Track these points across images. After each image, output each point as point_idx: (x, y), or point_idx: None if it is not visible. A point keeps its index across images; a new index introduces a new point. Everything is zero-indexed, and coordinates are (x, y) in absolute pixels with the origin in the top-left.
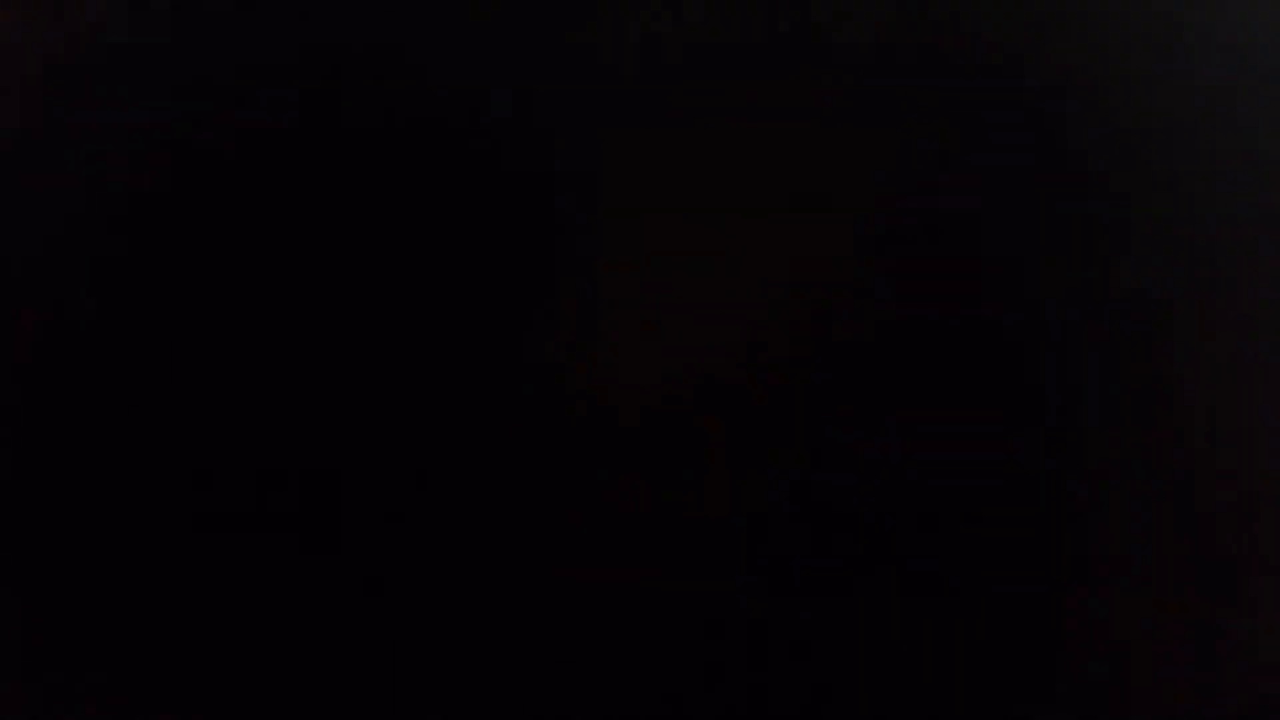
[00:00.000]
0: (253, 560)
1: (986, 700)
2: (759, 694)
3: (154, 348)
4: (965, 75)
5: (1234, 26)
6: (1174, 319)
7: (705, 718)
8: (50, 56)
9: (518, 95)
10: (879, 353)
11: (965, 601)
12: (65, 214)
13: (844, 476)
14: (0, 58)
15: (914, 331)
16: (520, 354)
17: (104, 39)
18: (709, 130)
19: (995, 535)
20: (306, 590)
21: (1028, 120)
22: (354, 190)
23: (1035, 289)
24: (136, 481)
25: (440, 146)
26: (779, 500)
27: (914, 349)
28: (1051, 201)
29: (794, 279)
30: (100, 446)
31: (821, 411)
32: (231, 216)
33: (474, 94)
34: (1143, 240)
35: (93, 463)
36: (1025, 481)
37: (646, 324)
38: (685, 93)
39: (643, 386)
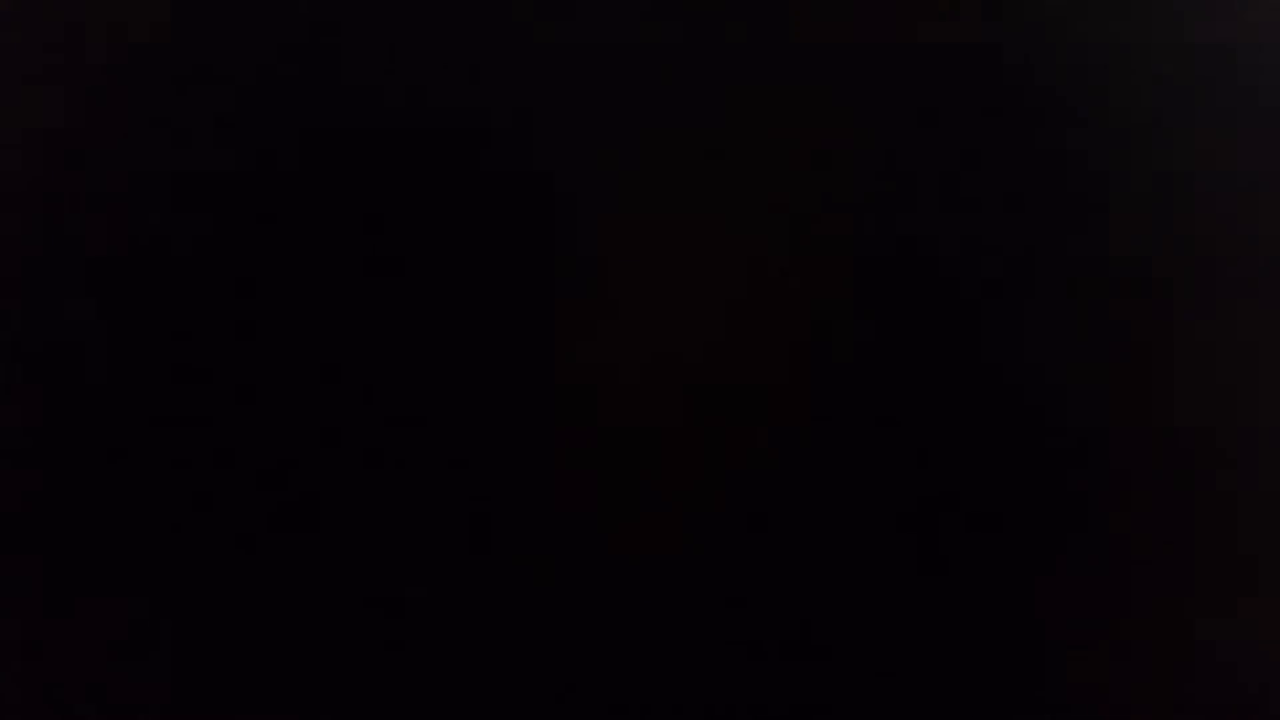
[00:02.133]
0: (253, 560)
1: (985, 697)
2: (760, 691)
3: (157, 356)
4: (956, 72)
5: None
6: (1177, 318)
7: (707, 713)
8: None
9: (513, 95)
10: (879, 353)
11: (963, 600)
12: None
13: (839, 476)
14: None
15: (912, 331)
16: (520, 354)
17: (111, 48)
18: (701, 129)
19: (993, 534)
20: (306, 591)
21: (1026, 115)
22: (350, 192)
23: (1035, 287)
24: (141, 486)
25: (434, 144)
26: (779, 498)
27: (912, 349)
28: (1053, 200)
29: (787, 277)
30: (95, 452)
31: (816, 408)
32: (236, 225)
33: (467, 97)
34: (1146, 244)
35: (90, 466)
36: (1024, 480)
37: (645, 321)
38: (677, 90)
39: (642, 384)
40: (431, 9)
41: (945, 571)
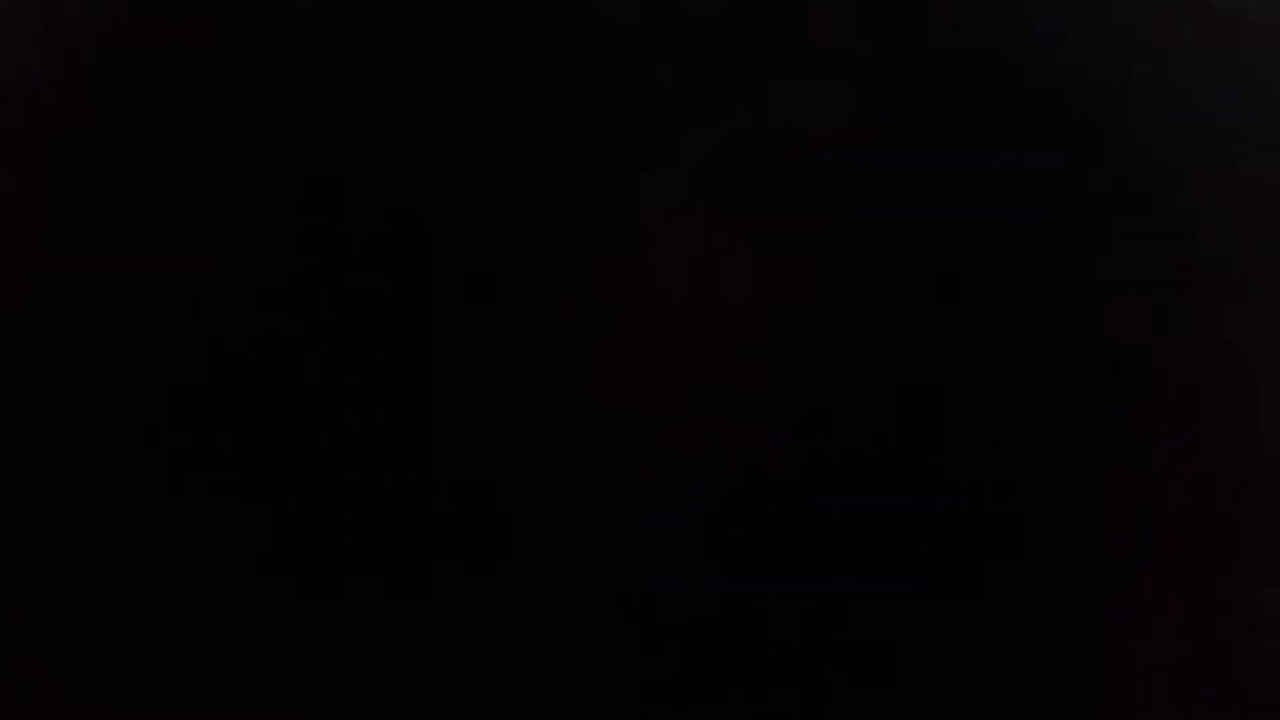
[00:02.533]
0: (257, 560)
1: (985, 698)
2: (755, 692)
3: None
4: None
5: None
6: (1179, 317)
7: (699, 715)
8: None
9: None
10: (883, 345)
11: (962, 600)
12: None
13: (842, 469)
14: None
15: (916, 325)
16: (523, 350)
17: None
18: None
19: (994, 533)
20: (308, 590)
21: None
22: (358, 181)
23: (1036, 289)
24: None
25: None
26: (781, 495)
27: (915, 342)
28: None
29: (780, 271)
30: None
31: (821, 401)
32: (251, 196)
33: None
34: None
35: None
36: (1025, 479)
37: (652, 312)
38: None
39: (648, 378)
40: None
41: (959, 574)
